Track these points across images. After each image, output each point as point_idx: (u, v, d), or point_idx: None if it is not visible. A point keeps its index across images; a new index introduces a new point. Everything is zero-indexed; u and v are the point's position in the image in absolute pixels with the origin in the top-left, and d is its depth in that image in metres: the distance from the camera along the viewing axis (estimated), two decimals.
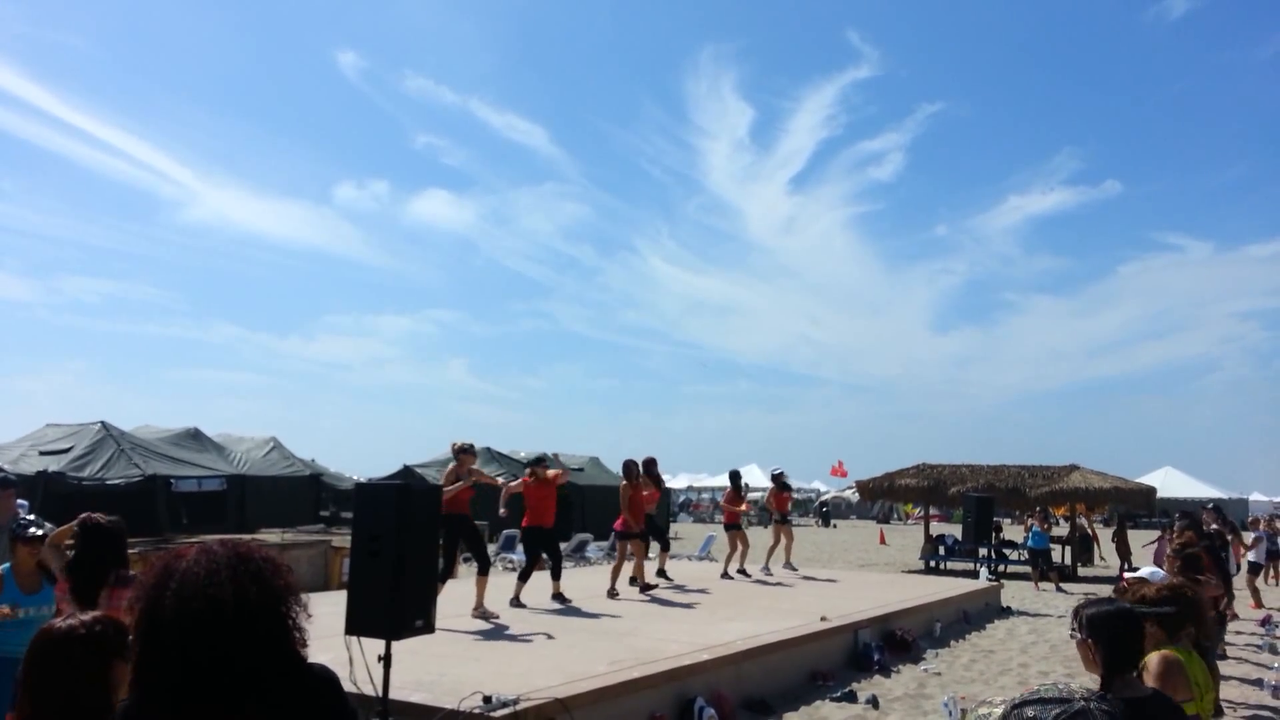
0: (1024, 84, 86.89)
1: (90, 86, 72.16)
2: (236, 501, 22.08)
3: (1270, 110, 73.71)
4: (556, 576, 11.13)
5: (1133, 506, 26.10)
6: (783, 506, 16.09)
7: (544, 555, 10.99)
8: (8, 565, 5.13)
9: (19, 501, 7.23)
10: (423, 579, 5.70)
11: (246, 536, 8.44)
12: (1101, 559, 24.28)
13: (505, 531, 19.86)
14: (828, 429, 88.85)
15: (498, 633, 8.92)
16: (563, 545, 14.47)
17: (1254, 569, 16.82)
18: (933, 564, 22.13)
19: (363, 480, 6.88)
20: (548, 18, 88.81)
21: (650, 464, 12.86)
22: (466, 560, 15.89)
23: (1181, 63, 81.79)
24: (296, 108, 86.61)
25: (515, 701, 5.94)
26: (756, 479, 43.29)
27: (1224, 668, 10.27)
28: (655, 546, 13.67)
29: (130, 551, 4.95)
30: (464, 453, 9.78)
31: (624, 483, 12.35)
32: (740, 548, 14.51)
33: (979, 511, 18.05)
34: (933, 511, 28.26)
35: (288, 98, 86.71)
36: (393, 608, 5.38)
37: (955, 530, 23.52)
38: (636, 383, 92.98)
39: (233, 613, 1.68)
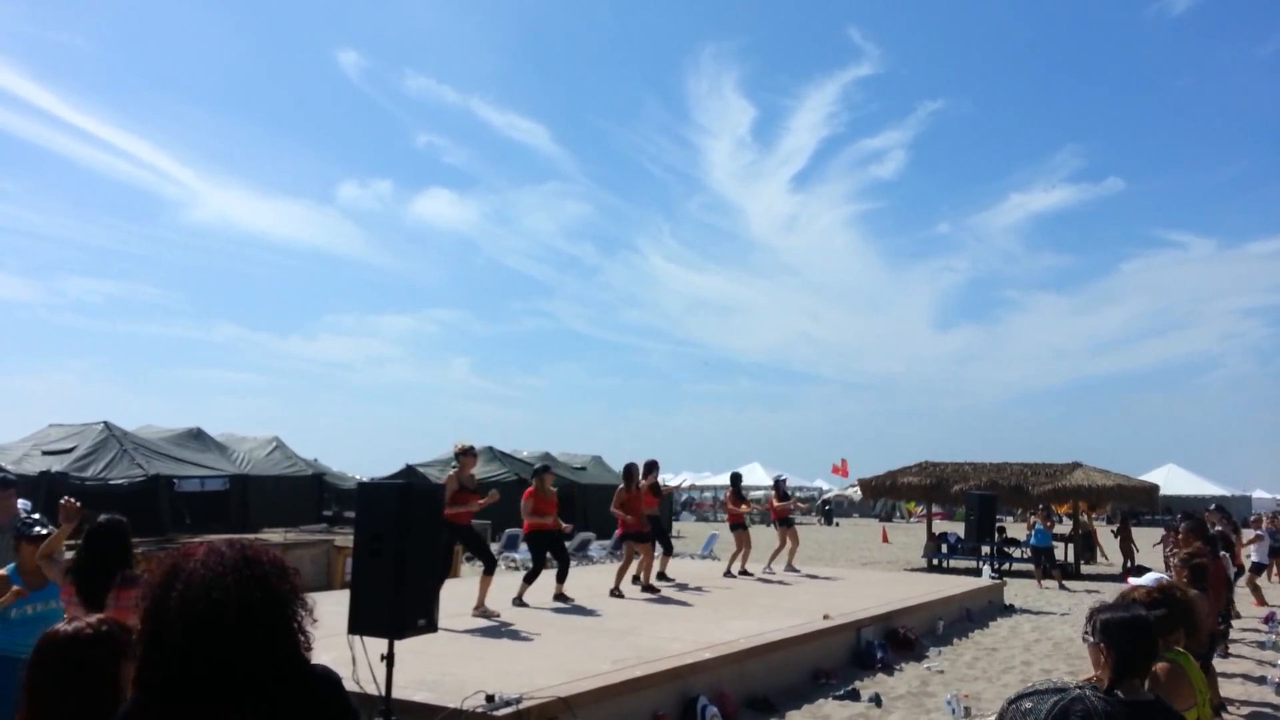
0: (1026, 81, 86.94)
1: (92, 86, 72.37)
2: (239, 501, 22.08)
3: (1272, 107, 73.76)
4: (562, 579, 11.15)
5: (1135, 504, 26.08)
6: (780, 514, 16.10)
7: (550, 556, 11.07)
8: (12, 566, 5.15)
9: (22, 502, 7.21)
10: (425, 578, 5.71)
11: (249, 536, 8.45)
12: (1104, 557, 24.27)
13: (507, 531, 19.89)
14: (829, 427, 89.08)
15: (500, 632, 8.93)
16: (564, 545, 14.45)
17: (1256, 568, 16.78)
18: (935, 562, 22.12)
19: (365, 480, 6.86)
20: (549, 17, 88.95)
21: (651, 468, 12.82)
22: (469, 560, 15.91)
23: (1183, 60, 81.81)
24: (298, 107, 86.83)
25: (518, 700, 5.93)
26: (758, 478, 43.37)
27: (1226, 665, 10.28)
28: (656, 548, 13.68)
29: (134, 552, 4.96)
30: (465, 454, 9.79)
31: (620, 486, 12.37)
32: (744, 548, 14.57)
33: (981, 509, 18.07)
34: (935, 509, 28.29)
35: (289, 97, 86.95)
36: (395, 607, 5.40)
37: (958, 528, 23.53)
38: (638, 381, 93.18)
39: (234, 617, 1.68)
